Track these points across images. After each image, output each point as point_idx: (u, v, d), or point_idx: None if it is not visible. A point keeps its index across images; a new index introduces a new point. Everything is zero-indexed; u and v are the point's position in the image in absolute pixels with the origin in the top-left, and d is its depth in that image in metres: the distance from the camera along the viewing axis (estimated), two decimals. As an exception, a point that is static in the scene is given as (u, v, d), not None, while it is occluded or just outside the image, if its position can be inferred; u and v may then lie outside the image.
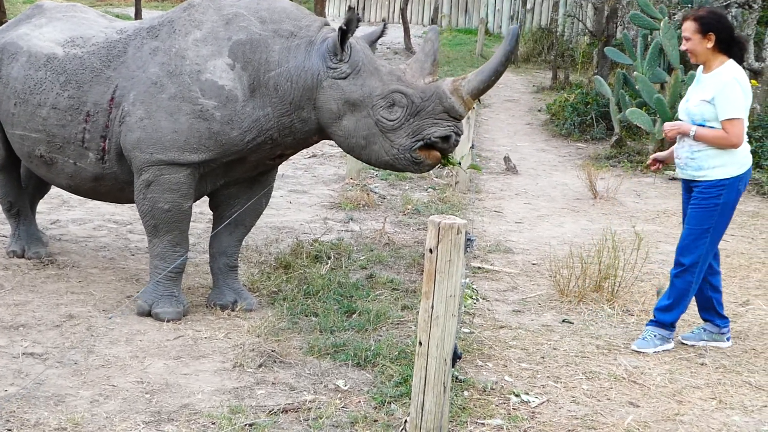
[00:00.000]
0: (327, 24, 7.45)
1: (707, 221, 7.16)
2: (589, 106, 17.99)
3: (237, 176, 7.55)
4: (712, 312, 7.49)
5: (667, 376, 6.83)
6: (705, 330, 7.51)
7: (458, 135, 7.09)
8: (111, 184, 7.63)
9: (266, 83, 7.14)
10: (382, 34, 7.61)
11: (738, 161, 7.13)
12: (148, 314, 7.36)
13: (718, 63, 7.16)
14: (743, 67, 6.93)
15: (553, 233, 10.79)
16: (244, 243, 8.32)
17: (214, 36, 7.25)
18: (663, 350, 7.28)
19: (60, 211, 10.32)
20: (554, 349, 7.23)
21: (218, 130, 7.10)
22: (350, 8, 7.03)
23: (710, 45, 7.10)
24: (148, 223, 7.37)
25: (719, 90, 7.02)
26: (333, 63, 7.05)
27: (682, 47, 7.31)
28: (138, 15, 24.35)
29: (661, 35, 15.18)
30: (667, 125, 7.33)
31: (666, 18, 15.78)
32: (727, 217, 7.24)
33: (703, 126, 7.09)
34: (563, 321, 7.84)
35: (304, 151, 14.54)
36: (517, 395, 6.32)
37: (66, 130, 7.49)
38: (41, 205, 9.58)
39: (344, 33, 6.98)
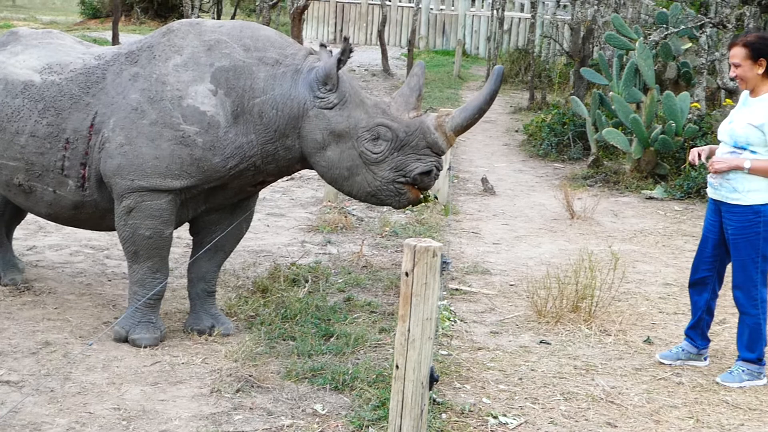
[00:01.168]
0: (312, 53, 7.43)
1: (753, 251, 7.09)
2: (566, 127, 18.05)
3: (219, 202, 7.53)
4: (698, 332, 7.49)
5: (645, 396, 6.85)
6: (683, 350, 7.51)
7: (439, 170, 7.13)
8: (91, 212, 7.57)
9: (250, 110, 7.12)
10: (345, 54, 7.43)
11: None
12: (125, 340, 7.33)
13: (767, 89, 7.08)
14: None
15: (531, 254, 10.81)
16: (221, 267, 8.31)
17: (195, 62, 7.23)
18: (752, 386, 7.14)
19: (36, 237, 10.28)
20: (532, 370, 7.23)
21: (200, 156, 7.08)
22: (345, 38, 7.01)
23: (761, 71, 7.01)
24: (128, 250, 7.34)
25: None
26: (321, 93, 7.05)
27: (731, 74, 7.18)
28: (115, 39, 24.33)
29: (637, 55, 15.28)
30: (718, 160, 7.11)
31: (641, 38, 15.88)
32: None
33: (745, 149, 6.97)
34: (541, 342, 7.85)
35: (282, 174, 14.55)
36: (495, 417, 6.32)
37: (45, 157, 7.42)
38: (17, 231, 9.55)
39: (339, 62, 7.00)
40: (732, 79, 7.23)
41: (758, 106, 7.02)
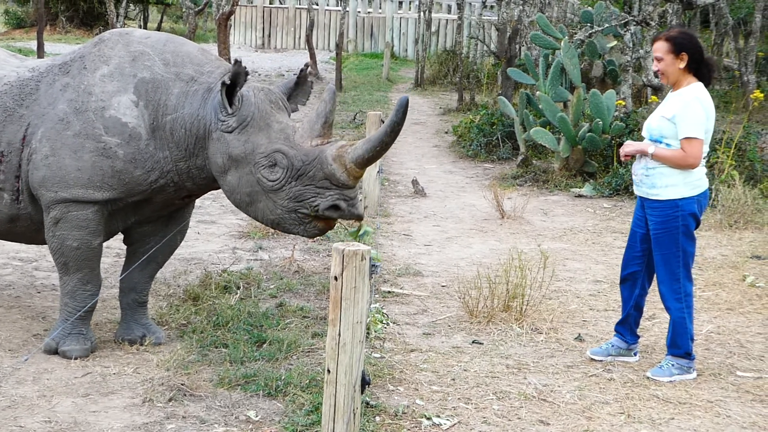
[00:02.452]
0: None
1: (673, 245, 7.18)
2: (494, 127, 18.14)
3: (148, 215, 7.45)
4: (627, 327, 7.57)
5: (577, 393, 6.91)
6: (613, 346, 7.58)
7: (348, 202, 6.75)
8: (27, 225, 7.45)
9: (163, 126, 7.02)
10: (300, 83, 7.33)
11: (691, 182, 7.14)
12: (56, 352, 7.26)
13: (686, 83, 7.17)
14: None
15: (462, 254, 10.86)
16: (153, 278, 8.25)
17: (120, 72, 7.14)
18: (681, 380, 7.22)
19: (-37, 250, 10.16)
20: (465, 370, 7.26)
21: (121, 168, 7.00)
22: (236, 61, 6.78)
23: (683, 65, 7.12)
24: (58, 261, 7.26)
25: (680, 109, 7.05)
26: (222, 115, 6.87)
27: (654, 67, 7.29)
28: (41, 49, 24.05)
29: (562, 55, 15.39)
30: (627, 145, 7.36)
31: (566, 38, 16.01)
32: (692, 241, 7.25)
33: (660, 142, 7.12)
34: (473, 342, 7.89)
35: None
36: (428, 418, 6.34)
37: None
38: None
39: (229, 88, 6.82)
40: (655, 74, 7.28)
41: (674, 99, 7.16)
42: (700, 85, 7.19)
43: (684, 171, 7.10)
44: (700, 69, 7.18)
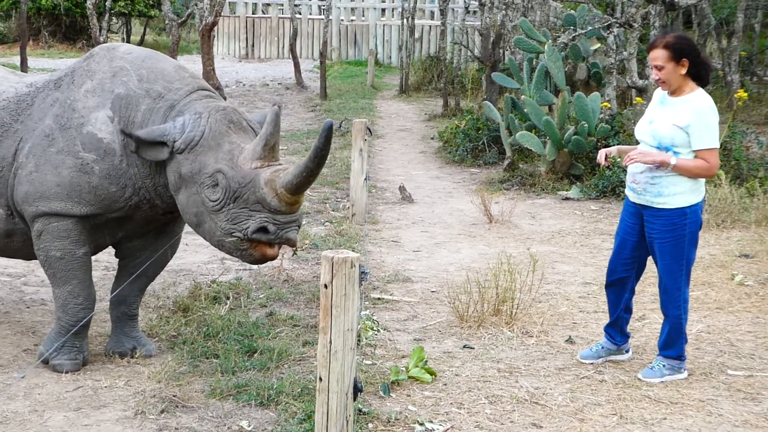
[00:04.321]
0: (202, 89, 7.18)
1: (678, 254, 7.10)
2: (480, 132, 18.14)
3: (134, 230, 7.42)
4: (617, 329, 7.56)
5: (569, 395, 6.92)
6: (603, 348, 7.59)
7: (278, 225, 6.58)
8: (22, 240, 7.42)
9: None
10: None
11: (698, 188, 7.07)
12: (46, 362, 7.23)
13: (690, 89, 7.03)
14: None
15: (451, 260, 10.86)
16: (143, 291, 8.24)
17: (102, 87, 7.11)
18: (672, 380, 7.23)
19: (-49, 266, 10.13)
20: (456, 375, 7.27)
21: (97, 184, 6.95)
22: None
23: (684, 71, 6.97)
24: (47, 273, 7.24)
25: (696, 118, 6.89)
26: (173, 135, 6.76)
27: (654, 76, 7.08)
28: (24, 64, 24.04)
29: (546, 58, 15.42)
30: (644, 153, 7.05)
31: (550, 41, 16.07)
32: (695, 247, 7.19)
33: (669, 150, 6.94)
34: (464, 347, 7.90)
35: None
36: (421, 424, 6.34)
37: None
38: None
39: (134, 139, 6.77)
40: (655, 82, 7.12)
41: (682, 106, 6.99)
42: (703, 91, 7.08)
43: (693, 178, 7.00)
44: (699, 72, 7.05)
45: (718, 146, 6.98)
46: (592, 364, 7.52)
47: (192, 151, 6.72)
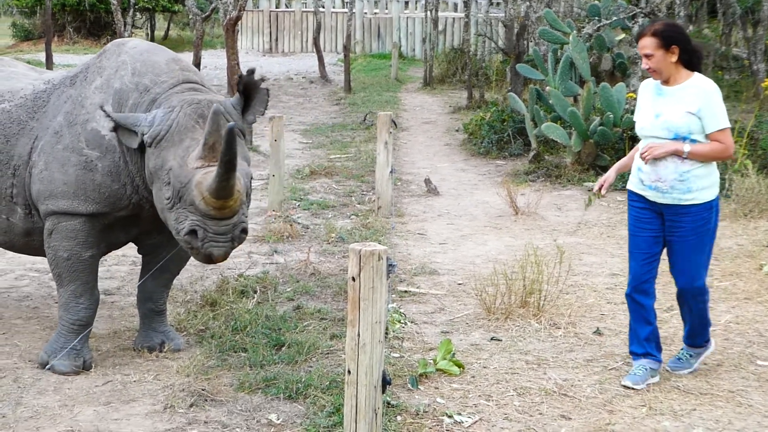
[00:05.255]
0: (188, 82, 7.03)
1: (704, 247, 6.88)
2: (505, 124, 18.11)
3: (150, 227, 7.35)
4: (654, 345, 7.12)
5: (597, 386, 6.90)
6: (647, 369, 7.04)
7: (206, 232, 6.38)
8: (42, 239, 7.34)
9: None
10: (251, 92, 6.82)
11: (717, 179, 6.88)
12: (46, 364, 7.17)
13: (685, 75, 6.80)
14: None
15: (477, 252, 10.85)
16: (169, 287, 8.26)
17: (108, 83, 7.06)
18: (703, 359, 7.20)
19: (-18, 263, 10.20)
20: (484, 367, 7.26)
21: (101, 182, 6.91)
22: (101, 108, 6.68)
23: (674, 59, 6.73)
24: (54, 272, 7.23)
25: (706, 101, 6.67)
26: (143, 129, 6.66)
27: (644, 65, 6.84)
28: (49, 60, 24.12)
29: (571, 49, 15.38)
30: (655, 147, 6.75)
31: (574, 32, 16.00)
32: (714, 239, 6.99)
33: (686, 140, 6.69)
34: (492, 339, 7.89)
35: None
36: (449, 416, 6.34)
37: None
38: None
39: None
40: (647, 71, 6.85)
41: (687, 92, 6.75)
42: (701, 74, 6.84)
43: (713, 168, 6.78)
44: (691, 59, 6.81)
45: (729, 125, 6.74)
46: (640, 389, 6.92)
47: (157, 146, 6.59)
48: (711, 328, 7.29)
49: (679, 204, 6.79)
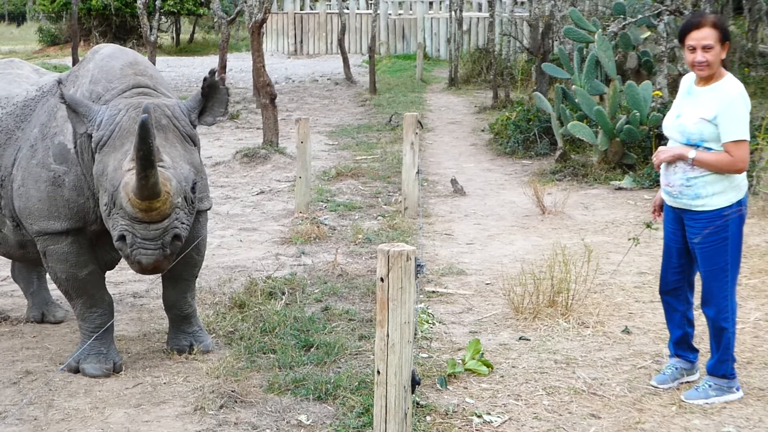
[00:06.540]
0: (139, 86, 6.84)
1: (722, 259, 6.46)
2: (531, 123, 18.08)
3: None
4: (685, 346, 6.98)
5: (626, 385, 6.88)
6: (677, 368, 6.96)
7: (135, 237, 6.23)
8: (36, 250, 7.25)
9: (79, 147, 6.80)
10: (211, 93, 6.74)
11: (737, 185, 6.43)
12: (77, 371, 7.18)
13: (719, 75, 6.42)
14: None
15: (505, 252, 10.84)
16: (197, 285, 8.27)
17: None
18: (722, 402, 6.60)
19: (8, 267, 10.23)
20: (513, 367, 7.26)
21: (68, 197, 6.81)
22: (59, 81, 6.52)
23: (724, 55, 6.38)
24: (60, 290, 7.23)
25: (724, 108, 6.27)
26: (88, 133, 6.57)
27: (699, 58, 6.33)
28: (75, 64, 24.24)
29: (597, 47, 15.34)
30: (662, 151, 6.56)
31: (600, 30, 15.98)
32: (740, 249, 6.55)
33: (699, 146, 6.36)
34: (520, 338, 7.88)
35: (252, 188, 14.55)
36: (479, 416, 6.34)
37: None
38: (-9, 263, 9.52)
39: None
40: (697, 66, 6.37)
41: (708, 96, 6.40)
42: (732, 76, 6.46)
43: (729, 175, 6.37)
44: (725, 59, 6.44)
45: (748, 138, 6.30)
46: (668, 389, 6.86)
47: (101, 151, 6.45)
48: (740, 326, 7.23)
49: (690, 209, 6.52)
